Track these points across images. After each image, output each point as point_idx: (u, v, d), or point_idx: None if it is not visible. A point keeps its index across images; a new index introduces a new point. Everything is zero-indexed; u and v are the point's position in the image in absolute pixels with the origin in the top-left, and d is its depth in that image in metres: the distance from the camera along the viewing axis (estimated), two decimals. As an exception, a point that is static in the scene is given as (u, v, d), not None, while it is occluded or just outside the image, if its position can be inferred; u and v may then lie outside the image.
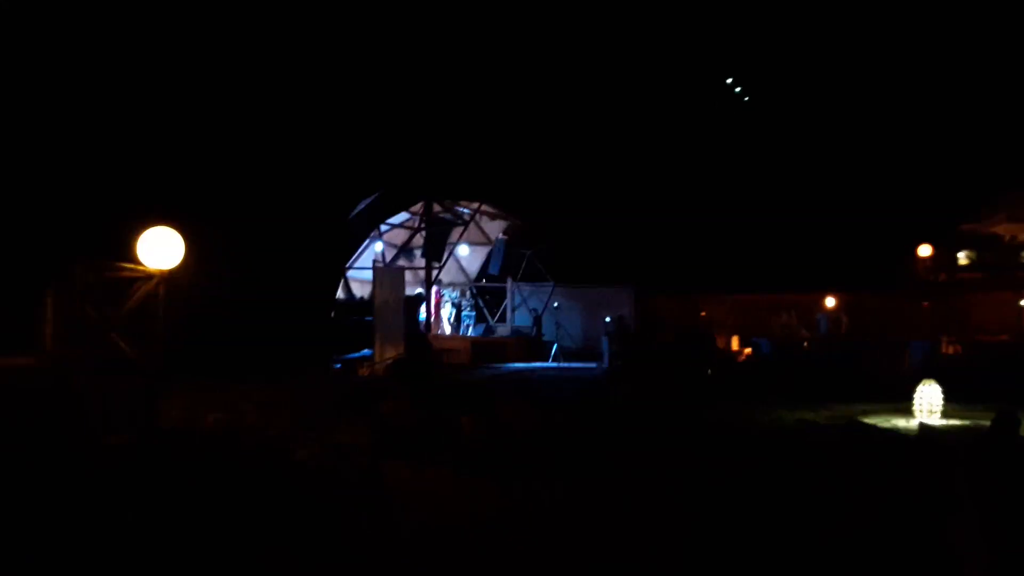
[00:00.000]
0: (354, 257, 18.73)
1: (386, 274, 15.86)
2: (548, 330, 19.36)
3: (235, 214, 13.32)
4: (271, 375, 11.89)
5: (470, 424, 8.03)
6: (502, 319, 21.31)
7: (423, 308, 18.65)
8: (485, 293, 21.64)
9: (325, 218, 15.24)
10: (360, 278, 19.17)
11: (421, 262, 19.73)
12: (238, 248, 13.23)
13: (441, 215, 19.76)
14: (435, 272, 19.42)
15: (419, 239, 19.93)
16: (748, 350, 16.80)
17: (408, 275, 19.04)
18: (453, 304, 20.27)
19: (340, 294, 18.01)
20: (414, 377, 12.21)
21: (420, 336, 16.86)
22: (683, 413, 10.01)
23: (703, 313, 19.29)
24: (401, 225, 20.05)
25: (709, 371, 13.71)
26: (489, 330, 20.08)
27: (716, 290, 20.78)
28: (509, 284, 21.30)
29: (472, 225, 20.52)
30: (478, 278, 21.95)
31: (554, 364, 17.73)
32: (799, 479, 6.03)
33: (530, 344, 18.98)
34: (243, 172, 13.60)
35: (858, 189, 22.25)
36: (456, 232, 20.20)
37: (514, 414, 8.78)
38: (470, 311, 20.25)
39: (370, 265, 17.27)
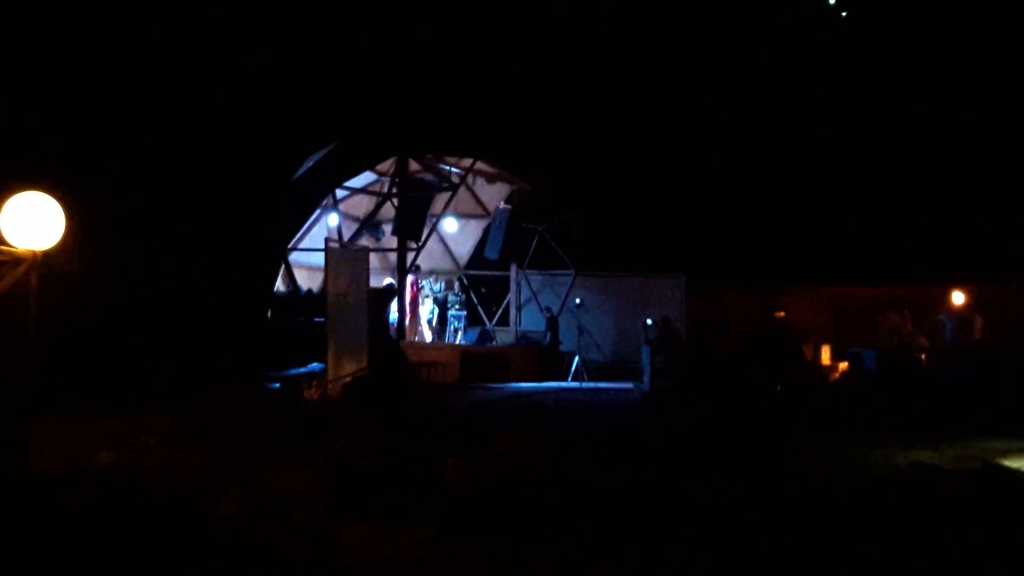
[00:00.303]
0: (299, 235, 18.77)
1: (343, 258, 15.87)
2: (567, 336, 19.45)
3: (135, 176, 13.25)
4: (185, 398, 11.90)
5: (458, 467, 8.04)
6: (503, 321, 21.46)
7: (394, 305, 18.70)
8: (480, 285, 21.78)
9: (257, 181, 15.15)
10: (307, 264, 19.28)
11: (392, 241, 19.77)
12: (139, 223, 13.16)
13: (420, 176, 19.78)
14: (412, 255, 19.42)
15: (389, 210, 19.94)
16: (843, 364, 16.79)
17: (374, 259, 19.09)
18: (436, 300, 20.36)
19: (280, 286, 18.13)
20: (381, 401, 12.24)
21: (390, 344, 16.87)
22: (753, 453, 9.94)
23: (780, 313, 19.22)
24: (364, 190, 20.13)
25: (788, 391, 13.66)
26: (486, 336, 20.23)
27: (798, 281, 20.75)
28: (514, 273, 21.42)
29: (463, 191, 20.56)
30: (471, 264, 22.05)
31: (575, 384, 17.75)
32: (913, 552, 5.93)
33: (542, 356, 19.09)
34: (146, 118, 13.48)
35: (995, 142, 21.98)
36: (440, 200, 20.21)
37: (519, 454, 8.69)
38: (459, 309, 20.31)
39: (321, 246, 17.24)
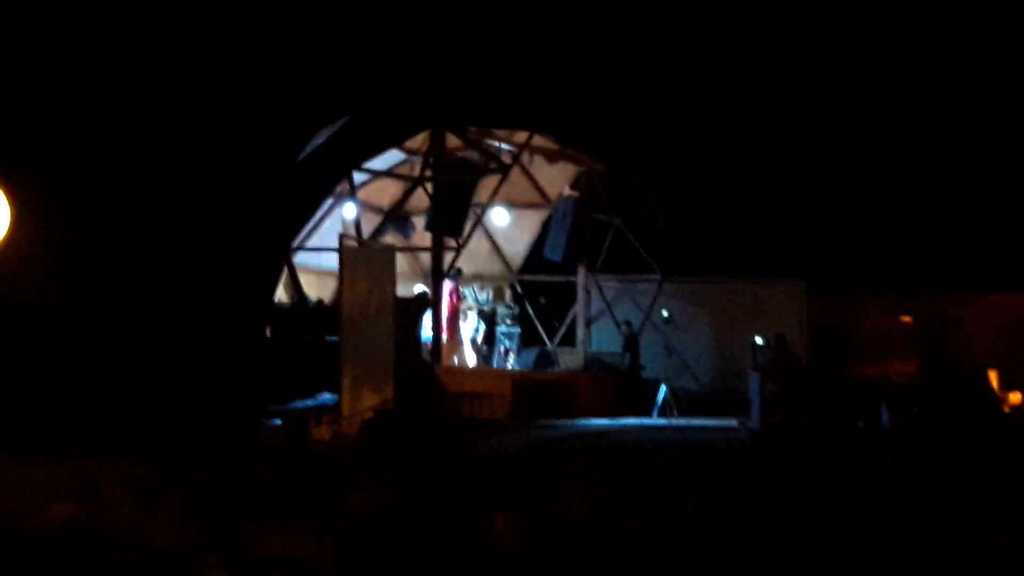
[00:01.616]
0: (306, 231, 18.91)
1: (363, 260, 15.95)
2: (652, 360, 19.36)
3: (99, 158, 13.37)
4: (162, 438, 12.01)
5: (509, 527, 8.03)
6: (568, 340, 21.39)
7: (428, 320, 18.72)
8: (539, 293, 21.79)
9: (252, 164, 15.27)
10: (316, 267, 19.39)
11: (425, 238, 19.81)
12: (103, 215, 13.27)
13: (461, 156, 19.81)
14: (451, 256, 19.40)
15: (422, 198, 19.96)
16: (1016, 395, 16.59)
17: (401, 261, 19.15)
18: (482, 314, 20.38)
19: (282, 296, 18.22)
20: (411, 443, 12.18)
21: (423, 370, 16.85)
22: (906, 518, 9.65)
23: (954, 331, 18.93)
24: (390, 174, 20.22)
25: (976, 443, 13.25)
26: (545, 359, 20.14)
27: (955, 287, 20.41)
28: (582, 277, 21.38)
29: (516, 174, 20.55)
30: (526, 267, 22.11)
31: (662, 421, 17.62)
32: None
33: (619, 384, 18.98)
34: (113, 86, 13.62)
35: None
36: (487, 186, 20.22)
37: (587, 512, 8.62)
38: (511, 325, 20.31)
39: (334, 244, 17.29)
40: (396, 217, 20.61)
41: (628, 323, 20.01)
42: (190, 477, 10.35)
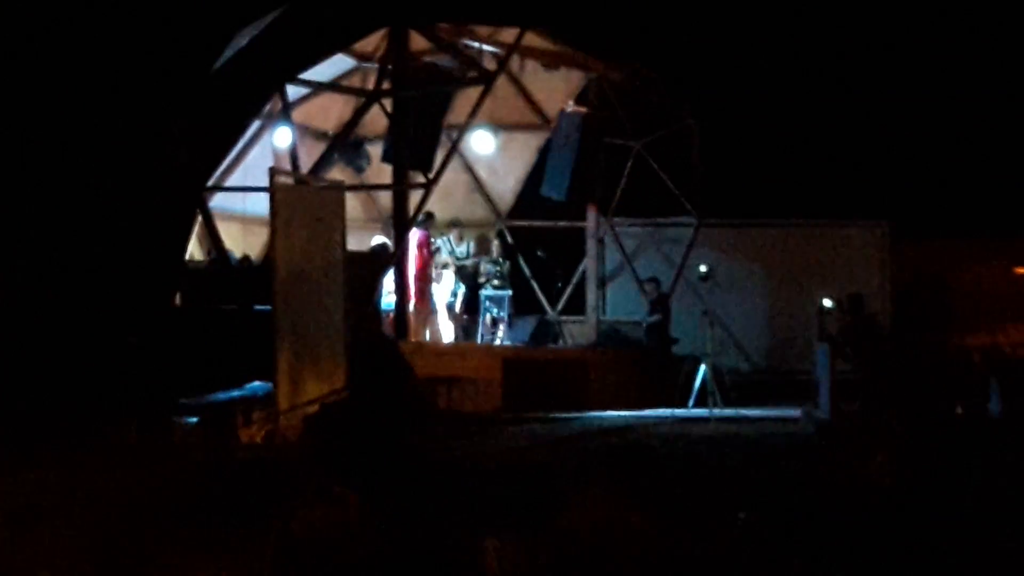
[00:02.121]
0: (225, 165, 18.87)
1: (302, 201, 15.89)
2: (686, 330, 19.50)
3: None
4: (33, 444, 11.94)
5: (501, 557, 8.12)
6: (575, 306, 21.52)
7: (389, 281, 18.72)
8: (536, 244, 21.88)
9: (151, 78, 15.19)
10: (239, 213, 19.37)
11: (384, 172, 19.76)
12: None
13: (430, 61, 19.71)
14: (419, 196, 19.32)
15: (378, 120, 19.84)
16: None
17: (353, 203, 19.12)
18: (461, 271, 20.43)
19: (193, 251, 18.14)
20: (370, 446, 12.20)
21: (384, 347, 16.80)
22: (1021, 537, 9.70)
23: None
24: (336, 87, 20.19)
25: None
26: (546, 331, 20.25)
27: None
28: (592, 222, 21.53)
29: (503, 85, 20.48)
30: (518, 210, 22.24)
31: (701, 412, 17.71)
32: None
33: (643, 364, 19.08)
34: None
35: None
36: (465, 102, 20.06)
37: (604, 535, 8.65)
38: (500, 286, 20.39)
39: (263, 182, 17.11)
40: (345, 145, 20.47)
41: (654, 281, 20.04)
42: (72, 496, 10.23)
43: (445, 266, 20.36)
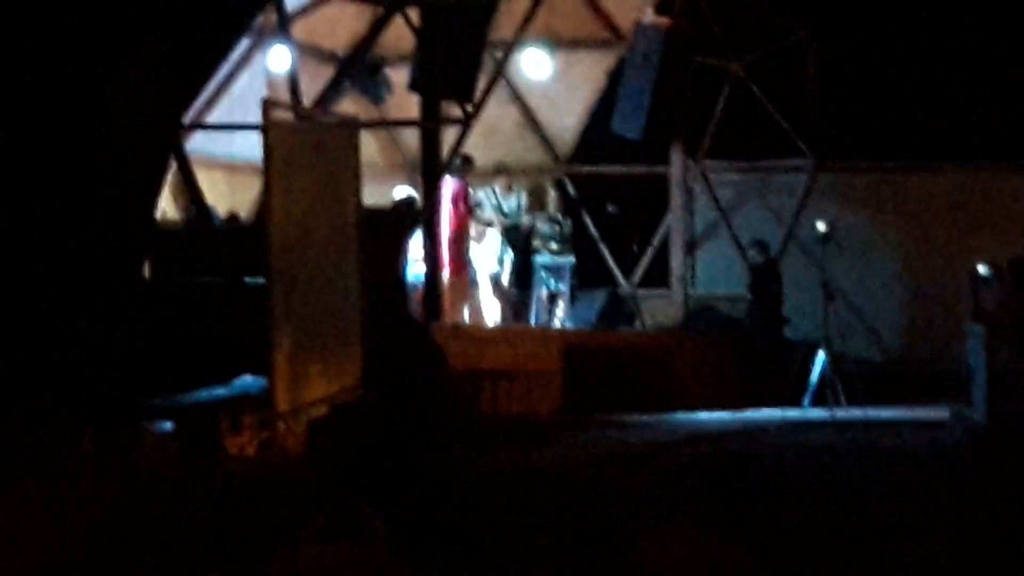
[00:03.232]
0: (206, 95, 18.83)
1: (304, 143, 15.93)
2: (800, 308, 19.51)
3: None
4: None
5: None
6: (657, 276, 21.69)
7: (417, 244, 18.75)
8: (605, 196, 21.92)
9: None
10: (225, 158, 19.59)
11: (411, 103, 19.79)
12: None
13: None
14: (455, 135, 19.27)
15: (401, 36, 19.79)
16: None
17: (370, 144, 19.23)
18: (509, 231, 20.56)
19: (167, 208, 18.30)
20: (394, 460, 12.19)
21: (411, 331, 16.77)
22: None
23: None
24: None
25: None
26: (618, 309, 20.34)
27: None
28: (678, 168, 21.53)
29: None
30: (582, 151, 22.38)
31: (820, 413, 17.72)
32: None
33: (745, 352, 19.17)
34: None
35: None
36: (511, 12, 19.98)
37: (694, 573, 8.52)
38: (559, 251, 20.40)
39: (255, 117, 17.06)
40: (360, 69, 20.46)
41: (760, 244, 20.02)
42: (25, 523, 10.36)
43: (489, 225, 20.37)
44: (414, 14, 18.91)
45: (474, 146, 20.01)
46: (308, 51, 19.90)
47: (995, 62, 22.32)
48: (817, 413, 17.65)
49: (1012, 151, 20.40)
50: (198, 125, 18.70)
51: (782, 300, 19.63)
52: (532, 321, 19.88)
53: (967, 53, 22.36)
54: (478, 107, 18.90)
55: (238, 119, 18.55)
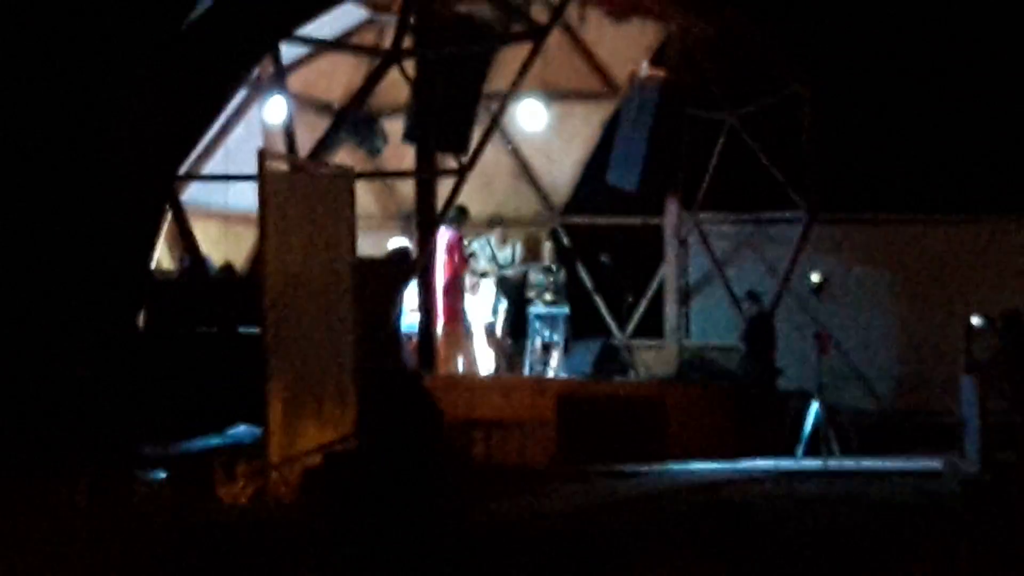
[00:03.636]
0: (201, 147, 18.94)
1: (299, 193, 15.92)
2: (794, 358, 19.56)
3: None
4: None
5: None
6: (651, 326, 21.70)
7: (412, 294, 18.86)
8: (600, 247, 21.93)
9: (109, 37, 15.25)
10: (220, 207, 19.63)
11: (406, 154, 19.92)
12: None
13: (463, 13, 19.77)
14: (450, 186, 19.38)
15: (397, 88, 19.90)
16: None
17: (365, 195, 19.30)
18: (504, 281, 20.57)
19: (162, 257, 18.31)
20: (389, 510, 12.34)
21: (405, 380, 16.79)
22: None
23: None
24: (342, 46, 20.42)
25: None
26: (612, 359, 20.33)
27: None
28: (673, 218, 21.64)
29: (559, 42, 20.65)
30: (576, 202, 22.40)
31: (814, 463, 17.72)
32: None
33: (739, 402, 19.15)
34: None
35: None
36: (507, 65, 20.14)
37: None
38: (553, 301, 20.48)
39: (250, 168, 17.04)
40: (355, 120, 20.55)
41: (752, 295, 20.11)
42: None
43: (484, 275, 20.47)
44: (409, 66, 19.04)
45: (469, 196, 20.08)
46: (304, 102, 20.08)
47: (991, 115, 22.32)
48: (810, 463, 17.63)
49: (1007, 204, 20.41)
50: (194, 176, 18.87)
51: (775, 350, 19.74)
52: (526, 371, 19.93)
53: (964, 106, 22.33)
54: (473, 158, 18.94)
55: (234, 170, 18.69)
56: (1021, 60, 22.28)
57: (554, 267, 21.02)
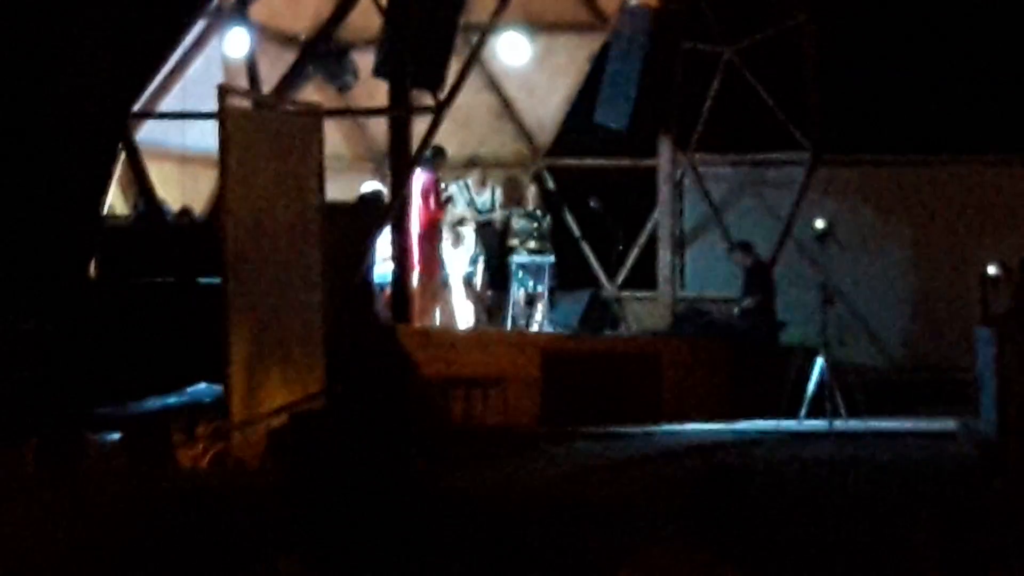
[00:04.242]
0: (157, 81, 18.88)
1: (263, 132, 15.87)
2: (796, 311, 19.58)
3: None
4: None
5: None
6: (643, 276, 21.77)
7: (385, 242, 18.69)
8: (587, 190, 21.92)
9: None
10: (178, 147, 19.60)
11: (376, 90, 19.76)
12: None
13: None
14: (426, 125, 19.20)
15: (368, 17, 19.76)
16: None
17: (334, 134, 19.26)
18: (484, 228, 20.61)
19: (115, 202, 18.28)
20: (355, 472, 12.18)
21: (377, 334, 16.70)
22: None
23: None
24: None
25: None
26: (601, 312, 20.33)
27: None
28: (667, 160, 21.62)
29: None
30: (563, 143, 22.42)
31: (818, 424, 17.69)
32: None
33: (737, 357, 19.25)
34: None
35: None
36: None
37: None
38: (538, 249, 20.44)
39: (210, 105, 16.94)
40: (323, 53, 20.42)
41: (744, 246, 20.08)
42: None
43: (462, 222, 20.39)
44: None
45: (446, 137, 19.97)
46: (268, 34, 19.99)
47: (1007, 48, 22.31)
48: (815, 424, 17.60)
49: (1014, 144, 20.42)
50: (149, 114, 18.74)
51: (775, 303, 19.71)
52: (508, 325, 19.85)
53: (977, 37, 22.36)
54: (451, 95, 18.83)
55: (192, 107, 18.57)
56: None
57: (538, 212, 20.93)
